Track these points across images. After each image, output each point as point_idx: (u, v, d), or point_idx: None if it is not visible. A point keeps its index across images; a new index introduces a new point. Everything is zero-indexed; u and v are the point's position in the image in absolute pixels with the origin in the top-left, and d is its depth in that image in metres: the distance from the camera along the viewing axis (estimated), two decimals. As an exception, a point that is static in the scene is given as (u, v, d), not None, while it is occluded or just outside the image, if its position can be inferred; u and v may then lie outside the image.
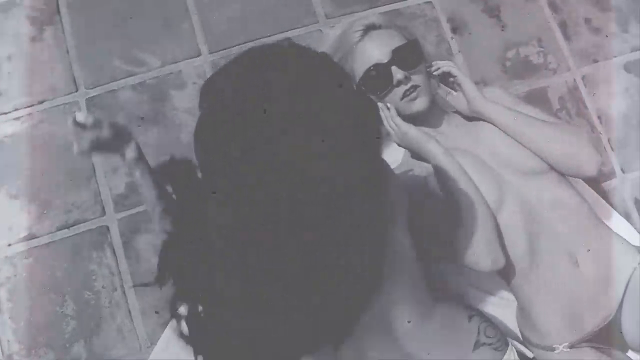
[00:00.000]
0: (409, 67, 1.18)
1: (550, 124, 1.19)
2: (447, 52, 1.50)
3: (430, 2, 1.54)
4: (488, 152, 1.19)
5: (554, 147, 1.15)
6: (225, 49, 1.47)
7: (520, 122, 1.18)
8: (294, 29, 1.49)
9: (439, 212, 1.09)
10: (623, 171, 1.44)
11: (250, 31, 1.48)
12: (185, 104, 1.42)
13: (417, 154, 1.22)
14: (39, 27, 1.45)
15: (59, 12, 1.46)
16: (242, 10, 1.50)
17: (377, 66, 1.18)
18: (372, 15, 1.25)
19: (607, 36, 1.54)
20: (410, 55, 1.20)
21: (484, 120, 1.21)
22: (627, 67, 1.51)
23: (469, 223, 1.05)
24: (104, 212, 1.34)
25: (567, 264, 1.12)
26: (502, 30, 1.53)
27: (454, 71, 1.21)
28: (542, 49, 1.52)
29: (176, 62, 1.45)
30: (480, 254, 1.05)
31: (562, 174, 1.18)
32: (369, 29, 1.22)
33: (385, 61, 1.17)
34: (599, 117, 1.48)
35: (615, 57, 1.53)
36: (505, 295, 1.29)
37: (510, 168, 1.17)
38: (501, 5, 1.55)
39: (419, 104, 1.20)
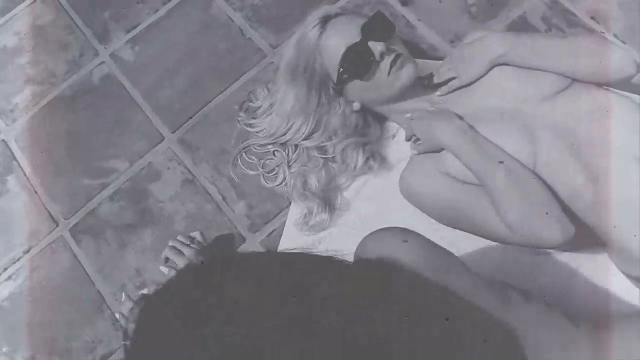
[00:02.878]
0: (385, 38, 1.09)
1: (563, 36, 1.06)
2: (407, 27, 1.38)
3: (369, -13, 1.44)
4: (501, 93, 1.05)
5: (579, 61, 1.01)
6: (186, 121, 1.37)
7: (531, 47, 1.04)
8: (246, 72, 1.40)
9: None
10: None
11: (206, 93, 1.39)
12: (167, 192, 1.31)
13: (428, 147, 1.10)
14: (1, 180, 1.38)
15: (15, 158, 1.40)
16: (188, 77, 1.42)
17: (351, 48, 1.08)
18: (323, 8, 1.16)
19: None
20: (381, 26, 1.11)
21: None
22: (597, -45, 1.37)
23: (512, 201, 0.92)
24: (128, 336, 1.20)
25: (638, 169, 0.93)
26: (452, -20, 1.41)
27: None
28: (500, -20, 1.39)
29: (143, 156, 1.35)
30: (542, 228, 0.90)
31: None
32: (326, 20, 1.13)
33: (359, 40, 1.08)
34: (592, 18, 1.31)
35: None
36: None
37: (531, 98, 1.02)
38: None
39: (407, 72, 1.10)
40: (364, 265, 0.60)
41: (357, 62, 1.09)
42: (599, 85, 1.02)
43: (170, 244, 1.14)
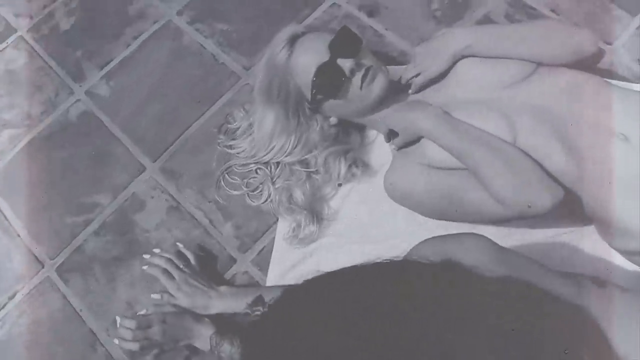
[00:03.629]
0: (354, 54, 1.09)
1: (525, 24, 1.09)
2: (375, 36, 1.41)
3: (335, 3, 1.47)
4: (471, 84, 1.07)
5: (542, 44, 1.03)
6: (167, 149, 1.37)
7: (494, 36, 1.06)
8: (222, 95, 1.41)
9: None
10: (609, 43, 1.30)
11: (183, 120, 1.40)
12: (153, 221, 1.30)
13: (406, 138, 1.10)
14: (-18, 228, 1.36)
15: (-6, 203, 1.38)
16: (165, 106, 1.42)
17: (321, 67, 1.09)
18: (289, 28, 1.17)
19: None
20: (348, 41, 1.11)
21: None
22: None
23: (498, 174, 0.92)
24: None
25: (617, 144, 0.94)
26: (414, -11, 1.45)
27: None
28: (461, -16, 1.43)
29: (126, 188, 1.34)
30: (531, 194, 0.89)
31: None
32: (294, 39, 1.14)
33: (328, 59, 1.08)
34: (552, 10, 1.35)
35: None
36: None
37: (502, 85, 1.04)
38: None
39: (379, 83, 1.11)
40: (447, 268, 0.61)
41: (329, 81, 1.09)
42: (565, 66, 1.04)
43: (162, 264, 1.13)
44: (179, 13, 1.54)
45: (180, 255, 1.18)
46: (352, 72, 1.08)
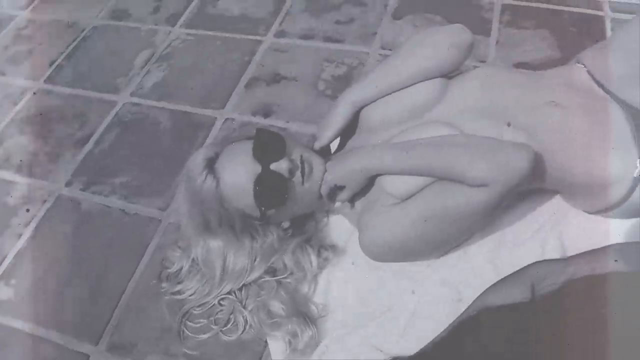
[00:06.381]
0: (282, 153, 1.04)
1: (401, 49, 1.13)
2: (280, 131, 1.39)
3: (228, 118, 1.46)
4: (391, 123, 1.08)
5: (426, 55, 1.07)
6: (107, 325, 1.15)
7: (373, 80, 1.10)
8: (148, 244, 1.26)
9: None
10: (484, 61, 1.43)
11: (114, 286, 1.21)
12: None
13: (354, 187, 1.06)
14: None
15: None
16: (87, 281, 1.22)
17: (259, 181, 1.01)
18: (200, 154, 1.09)
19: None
20: (271, 143, 1.05)
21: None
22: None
23: (467, 158, 0.90)
24: None
25: (554, 111, 0.99)
26: (297, 80, 1.50)
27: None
28: (335, 62, 1.51)
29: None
30: (508, 160, 0.88)
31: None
32: (210, 163, 1.05)
33: (260, 170, 1.01)
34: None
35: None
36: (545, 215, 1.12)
37: (425, 110, 1.06)
38: (278, 68, 1.54)
39: (318, 168, 1.07)
40: None
41: (272, 191, 1.02)
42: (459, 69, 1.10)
43: None
44: (68, 184, 1.40)
45: None
46: (291, 172, 1.02)
